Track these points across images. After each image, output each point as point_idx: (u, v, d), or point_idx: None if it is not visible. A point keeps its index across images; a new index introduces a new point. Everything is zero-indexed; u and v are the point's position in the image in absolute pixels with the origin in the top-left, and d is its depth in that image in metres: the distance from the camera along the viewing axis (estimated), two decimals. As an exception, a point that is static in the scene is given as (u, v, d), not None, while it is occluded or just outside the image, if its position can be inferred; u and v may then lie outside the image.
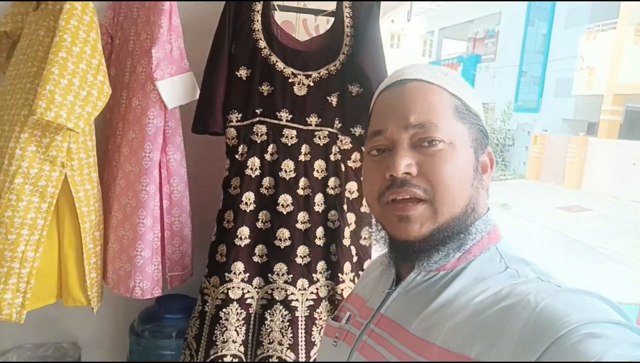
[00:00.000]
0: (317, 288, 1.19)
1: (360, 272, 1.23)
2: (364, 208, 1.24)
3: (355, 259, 1.22)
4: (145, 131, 1.17)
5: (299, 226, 1.18)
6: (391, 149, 0.63)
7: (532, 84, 15.60)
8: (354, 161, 1.23)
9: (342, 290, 1.19)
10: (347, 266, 1.20)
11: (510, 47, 15.97)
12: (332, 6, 1.22)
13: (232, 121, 1.19)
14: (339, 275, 1.18)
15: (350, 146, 1.22)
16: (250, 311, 1.17)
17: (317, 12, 1.18)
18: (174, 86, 1.15)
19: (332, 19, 1.23)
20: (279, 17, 1.24)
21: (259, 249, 1.19)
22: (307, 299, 1.18)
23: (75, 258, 1.22)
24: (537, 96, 15.23)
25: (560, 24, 14.90)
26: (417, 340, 0.59)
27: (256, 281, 1.18)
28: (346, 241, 1.20)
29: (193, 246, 1.38)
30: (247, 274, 1.17)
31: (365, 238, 1.26)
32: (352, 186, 1.24)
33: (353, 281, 1.21)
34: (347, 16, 1.19)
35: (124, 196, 1.24)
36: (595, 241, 7.24)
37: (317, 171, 1.20)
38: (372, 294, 0.73)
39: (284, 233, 1.18)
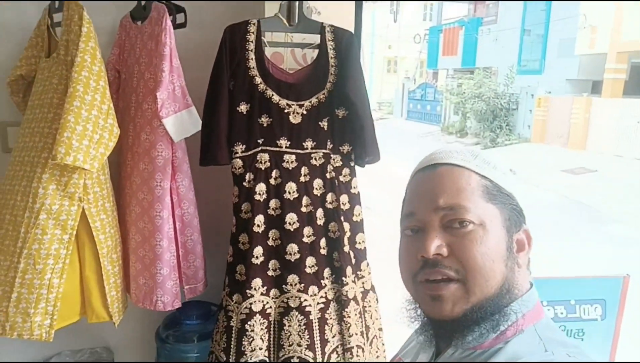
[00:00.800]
0: (325, 292, 1.31)
1: (358, 272, 1.37)
2: (356, 217, 1.38)
3: (353, 261, 1.35)
4: (155, 163, 1.28)
5: (305, 239, 1.30)
6: (423, 230, 0.66)
7: (535, 42, 15.31)
8: (344, 176, 1.36)
9: (347, 290, 1.31)
10: (348, 269, 1.33)
11: (512, 8, 15.63)
12: (316, 39, 1.31)
13: (237, 153, 1.28)
14: (343, 278, 1.31)
15: (341, 163, 1.35)
16: (270, 320, 1.29)
17: (303, 46, 1.27)
18: (179, 121, 1.25)
19: (317, 50, 1.33)
20: (269, 50, 1.32)
21: (272, 264, 1.30)
22: (317, 303, 1.30)
23: (97, 280, 1.35)
24: (541, 57, 14.99)
25: (562, -19, 14.51)
26: None
27: (273, 292, 1.30)
28: (346, 248, 1.32)
29: (205, 260, 1.50)
30: (265, 287, 1.29)
31: (359, 242, 1.39)
32: (344, 198, 1.35)
33: (354, 281, 1.34)
34: (330, 48, 1.30)
35: (140, 221, 1.35)
36: (600, 204, 7.30)
37: (316, 188, 1.32)
38: (412, 359, 0.76)
39: (292, 247, 1.29)
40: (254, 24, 1.28)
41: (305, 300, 1.29)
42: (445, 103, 15.56)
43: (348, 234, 1.35)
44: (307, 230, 1.30)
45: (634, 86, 13.17)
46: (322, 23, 1.31)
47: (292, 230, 1.29)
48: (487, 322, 0.62)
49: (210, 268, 1.53)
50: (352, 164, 1.37)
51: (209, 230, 1.53)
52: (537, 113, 12.96)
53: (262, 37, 1.28)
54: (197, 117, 1.28)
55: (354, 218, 1.38)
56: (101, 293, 1.37)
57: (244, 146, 1.29)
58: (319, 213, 1.32)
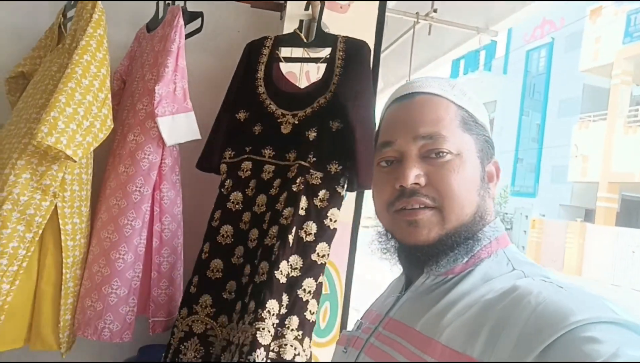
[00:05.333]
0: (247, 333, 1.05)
1: (280, 329, 1.06)
2: (316, 257, 1.09)
3: (277, 310, 1.04)
4: (139, 166, 1.18)
5: (256, 261, 1.13)
6: (400, 161, 0.66)
7: (528, 170, 15.94)
8: (320, 200, 1.11)
9: (258, 329, 1.01)
10: (271, 304, 1.02)
11: (505, 134, 16.52)
12: (328, 52, 1.26)
13: (225, 158, 1.23)
14: (259, 312, 1.02)
15: (320, 182, 1.12)
16: (211, 350, 1.12)
17: (317, 60, 1.24)
18: (174, 124, 1.18)
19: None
20: (285, 67, 1.32)
21: (230, 285, 1.16)
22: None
23: (52, 296, 1.17)
24: (534, 181, 15.50)
25: (553, 113, 15.55)
26: (422, 338, 0.60)
27: (221, 318, 1.14)
28: (276, 282, 1.03)
29: (182, 291, 1.34)
30: (214, 309, 1.14)
31: (304, 290, 1.07)
32: (310, 227, 1.09)
33: (274, 325, 1.04)
34: (338, 58, 1.20)
35: (104, 230, 1.21)
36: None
37: (280, 203, 1.13)
38: (382, 303, 0.76)
39: (247, 269, 1.15)
40: (270, 39, 1.29)
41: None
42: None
43: (296, 273, 1.07)
44: (259, 251, 1.14)
45: (625, 217, 13.43)
46: (338, 36, 1.23)
47: (251, 248, 1.16)
48: (461, 246, 0.63)
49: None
50: (339, 190, 1.12)
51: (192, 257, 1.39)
52: (531, 235, 13.03)
53: (277, 51, 1.28)
54: (194, 124, 1.22)
55: (313, 257, 1.08)
56: (54, 314, 1.18)
57: (233, 153, 1.23)
58: (273, 231, 1.10)
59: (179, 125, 1.19)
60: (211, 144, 1.24)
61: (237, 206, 1.20)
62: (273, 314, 1.03)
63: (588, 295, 0.52)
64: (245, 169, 1.21)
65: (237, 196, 1.20)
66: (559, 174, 14.18)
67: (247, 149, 1.22)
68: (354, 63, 1.18)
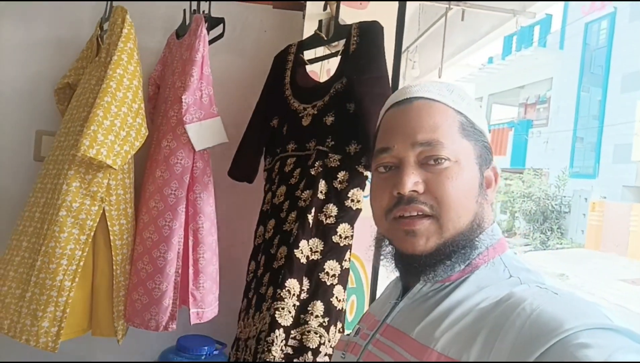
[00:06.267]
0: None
1: (303, 315, 1.05)
2: (338, 239, 1.07)
3: (303, 295, 1.04)
4: (173, 171, 1.27)
5: (272, 250, 1.13)
6: (398, 167, 0.65)
7: (588, 150, 15.08)
8: (340, 182, 1.09)
9: (277, 309, 1.01)
10: (291, 283, 1.01)
11: (563, 113, 15.68)
12: (343, 42, 1.25)
13: (265, 166, 1.30)
14: (278, 292, 1.01)
15: (338, 163, 1.09)
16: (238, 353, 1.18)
17: (336, 54, 1.23)
18: (202, 130, 1.26)
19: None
20: (309, 68, 1.36)
21: (253, 283, 1.21)
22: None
23: (107, 290, 1.30)
24: (594, 161, 14.65)
25: (615, 89, 14.57)
26: (418, 346, 0.60)
27: (251, 318, 1.18)
28: (296, 263, 1.01)
29: (219, 286, 1.42)
30: (244, 312, 1.19)
31: (327, 272, 1.05)
32: (330, 210, 1.07)
33: (295, 307, 1.03)
34: (353, 43, 1.17)
35: (145, 230, 1.31)
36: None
37: (299, 189, 1.12)
38: (380, 309, 0.76)
39: (262, 259, 1.18)
40: (294, 46, 1.34)
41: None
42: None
43: (317, 256, 1.05)
44: (277, 239, 1.13)
45: (699, 198, 12.45)
46: (352, 24, 1.19)
47: (267, 238, 1.18)
48: (459, 254, 0.63)
49: (225, 300, 1.45)
50: (361, 170, 1.09)
51: (229, 258, 1.48)
52: (591, 218, 12.38)
53: (300, 55, 1.31)
54: (221, 129, 1.29)
55: (335, 239, 1.06)
56: (109, 305, 1.32)
57: (271, 158, 1.29)
58: (291, 216, 1.10)
59: (207, 130, 1.27)
60: (241, 153, 1.31)
61: (267, 206, 1.25)
62: (293, 294, 0.99)
63: (583, 302, 0.52)
64: (275, 169, 1.26)
65: (268, 196, 1.25)
66: (622, 154, 13.31)
67: (278, 151, 1.27)
68: (364, 43, 1.15)
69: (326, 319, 1.03)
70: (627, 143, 12.87)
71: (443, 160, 0.63)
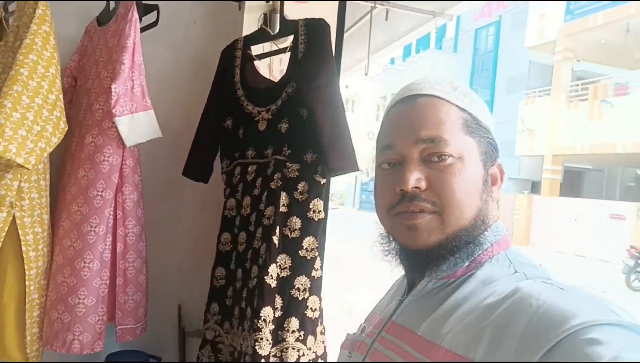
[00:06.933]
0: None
1: (280, 332, 1.06)
2: (304, 252, 1.08)
3: (274, 313, 1.05)
4: (99, 170, 1.13)
5: (247, 264, 1.13)
6: (401, 163, 0.65)
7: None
8: (300, 193, 1.08)
9: (256, 341, 1.02)
10: (265, 311, 1.03)
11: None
12: (291, 39, 1.20)
13: (223, 168, 1.25)
14: (255, 321, 1.02)
15: (297, 174, 1.08)
16: (220, 358, 1.15)
17: (284, 50, 1.17)
18: (134, 123, 1.12)
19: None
20: (258, 64, 1.29)
21: (230, 291, 1.18)
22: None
23: (16, 310, 1.13)
24: (484, 156, 16.03)
25: (501, 90, 16.07)
26: (424, 343, 0.59)
27: (226, 325, 1.16)
28: (267, 283, 1.03)
29: (149, 297, 1.30)
30: (220, 316, 1.16)
31: (297, 288, 1.06)
32: (294, 223, 1.07)
33: (272, 331, 1.04)
34: (301, 42, 1.13)
35: (66, 238, 1.15)
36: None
37: (262, 202, 1.11)
38: (385, 307, 0.75)
39: (239, 273, 1.15)
40: (240, 40, 1.26)
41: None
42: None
43: (286, 273, 1.07)
44: (249, 253, 1.13)
45: (568, 188, 14.21)
46: (299, 20, 1.16)
47: (241, 251, 1.15)
48: (462, 250, 0.62)
49: (154, 312, 1.33)
50: (318, 179, 1.08)
51: (157, 262, 1.35)
52: (482, 208, 13.55)
53: (248, 51, 1.24)
54: (155, 123, 1.17)
55: (301, 253, 1.07)
56: (19, 329, 1.14)
57: (228, 161, 1.24)
58: (258, 233, 1.10)
59: (139, 124, 1.14)
60: (199, 153, 1.26)
61: (231, 212, 1.20)
62: (269, 322, 1.02)
63: (589, 297, 0.52)
64: (236, 175, 1.21)
65: (231, 202, 1.21)
66: (507, 149, 14.73)
67: (236, 155, 1.22)
68: (313, 45, 1.11)
69: (301, 333, 1.06)
70: (511, 140, 14.25)
71: (446, 157, 0.62)
